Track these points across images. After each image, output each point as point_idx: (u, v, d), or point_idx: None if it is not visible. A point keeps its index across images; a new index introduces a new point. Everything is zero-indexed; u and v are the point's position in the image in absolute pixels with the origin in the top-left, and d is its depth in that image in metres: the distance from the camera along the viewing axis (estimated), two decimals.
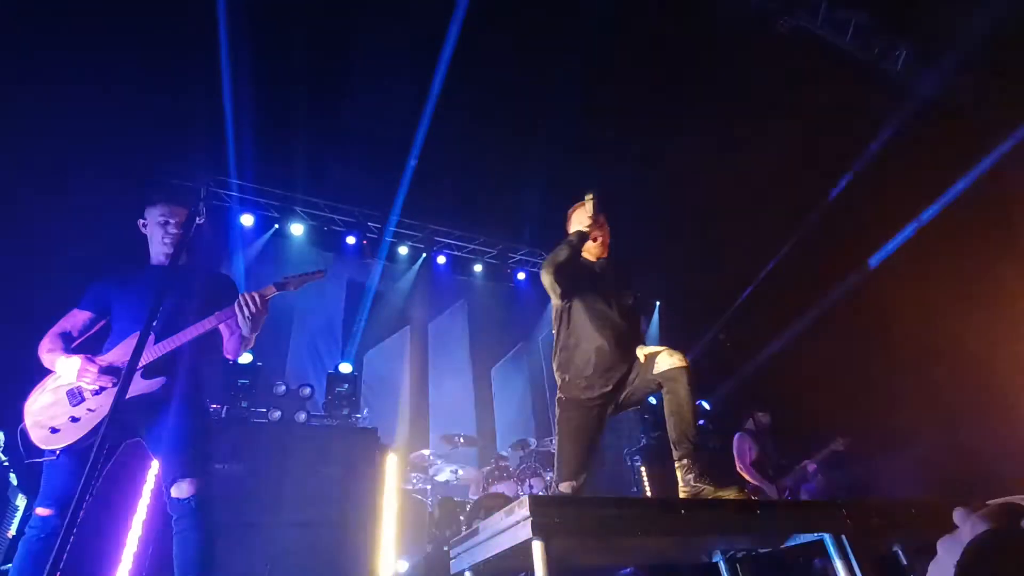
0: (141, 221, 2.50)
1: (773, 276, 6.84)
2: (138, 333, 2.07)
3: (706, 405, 6.37)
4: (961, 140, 5.49)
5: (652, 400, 6.09)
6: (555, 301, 2.66)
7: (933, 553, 0.82)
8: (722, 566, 2.26)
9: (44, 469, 2.08)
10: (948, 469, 4.73)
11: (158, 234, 2.42)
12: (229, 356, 2.50)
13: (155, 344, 2.19)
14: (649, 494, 5.63)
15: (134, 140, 5.24)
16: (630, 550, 2.06)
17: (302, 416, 4.03)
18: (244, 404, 3.97)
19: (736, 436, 5.19)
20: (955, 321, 4.97)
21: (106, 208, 4.26)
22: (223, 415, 3.84)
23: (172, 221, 2.42)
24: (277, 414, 3.96)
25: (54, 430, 2.05)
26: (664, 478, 5.36)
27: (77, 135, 4.74)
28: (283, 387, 4.27)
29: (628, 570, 3.22)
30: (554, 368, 2.66)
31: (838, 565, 1.72)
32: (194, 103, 5.17)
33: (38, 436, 2.06)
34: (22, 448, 2.07)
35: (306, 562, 3.11)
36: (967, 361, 5.03)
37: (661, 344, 2.54)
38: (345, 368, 4.73)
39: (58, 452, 2.04)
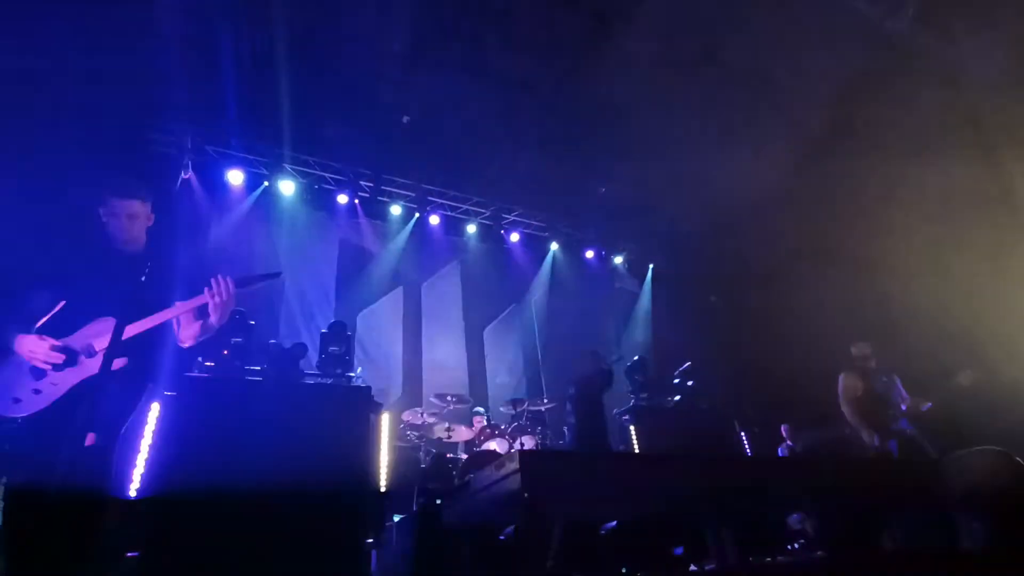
0: (101, 210, 2.45)
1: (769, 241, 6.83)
2: (103, 319, 2.19)
3: None
4: (968, 104, 5.39)
5: (637, 358, 6.16)
6: None
7: (906, 509, 0.86)
8: (703, 520, 2.34)
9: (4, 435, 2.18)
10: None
11: (113, 224, 2.41)
12: (186, 343, 2.46)
13: (119, 327, 2.14)
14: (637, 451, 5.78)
15: (119, 97, 5.07)
16: (615, 503, 2.13)
17: (296, 375, 4.05)
18: (237, 363, 3.98)
19: (841, 375, 4.75)
20: (955, 285, 4.99)
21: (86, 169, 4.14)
22: (216, 373, 3.86)
23: (125, 214, 2.41)
24: (271, 373, 3.97)
25: (16, 400, 2.14)
26: (652, 436, 5.46)
27: (59, 92, 4.57)
28: (276, 346, 4.28)
29: (613, 523, 3.34)
30: None
31: (816, 521, 1.79)
32: (180, 58, 4.97)
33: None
34: None
35: (300, 518, 3.18)
36: (966, 320, 5.04)
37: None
38: (339, 328, 4.72)
39: (19, 420, 2.14)
